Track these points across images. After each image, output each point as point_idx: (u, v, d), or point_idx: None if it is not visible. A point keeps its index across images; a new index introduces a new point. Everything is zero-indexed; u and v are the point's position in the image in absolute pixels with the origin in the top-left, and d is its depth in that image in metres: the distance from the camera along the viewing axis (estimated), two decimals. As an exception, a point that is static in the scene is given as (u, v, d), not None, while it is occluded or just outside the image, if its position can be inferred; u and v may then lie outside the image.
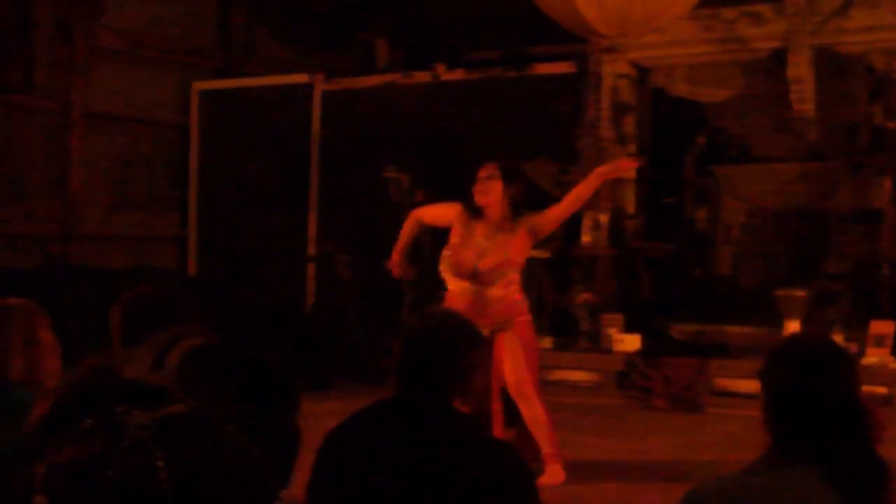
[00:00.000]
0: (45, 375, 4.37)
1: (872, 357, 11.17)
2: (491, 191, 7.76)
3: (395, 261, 8.32)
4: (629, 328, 12.36)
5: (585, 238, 13.14)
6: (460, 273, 7.70)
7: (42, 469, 1.56)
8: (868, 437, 3.17)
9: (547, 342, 12.15)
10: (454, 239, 7.84)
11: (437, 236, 11.27)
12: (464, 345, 3.82)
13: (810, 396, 3.18)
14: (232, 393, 2.18)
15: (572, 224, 12.71)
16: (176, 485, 1.52)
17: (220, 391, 2.17)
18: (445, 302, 7.78)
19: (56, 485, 1.54)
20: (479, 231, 7.80)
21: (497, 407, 7.74)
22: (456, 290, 7.76)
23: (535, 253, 10.22)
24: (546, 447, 7.78)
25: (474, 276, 7.69)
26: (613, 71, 13.71)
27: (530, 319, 8.00)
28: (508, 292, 7.78)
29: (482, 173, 7.82)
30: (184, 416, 1.61)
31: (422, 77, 14.67)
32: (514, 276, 7.84)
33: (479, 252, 7.71)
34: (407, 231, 8.33)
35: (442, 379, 3.73)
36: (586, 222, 13.09)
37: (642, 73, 14.11)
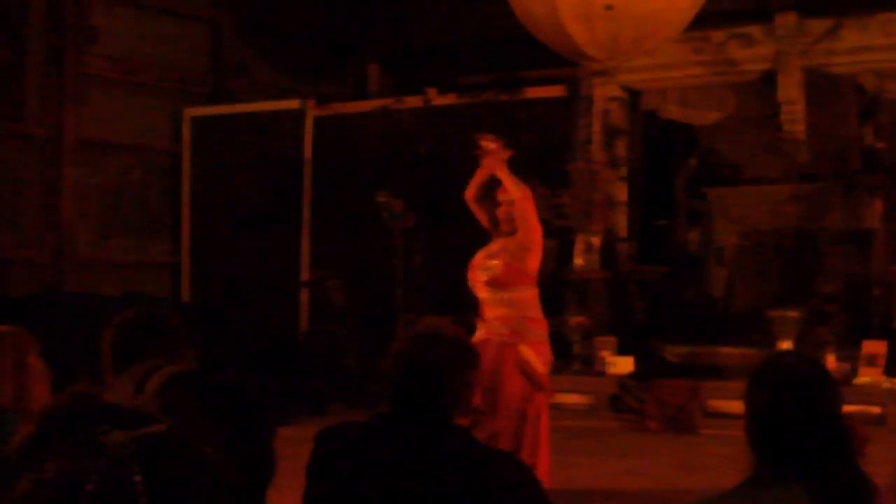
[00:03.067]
0: (34, 402, 4.36)
1: (865, 377, 11.17)
2: (512, 220, 7.80)
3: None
4: (622, 351, 12.35)
5: (578, 261, 13.17)
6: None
7: (22, 488, 1.59)
8: (850, 454, 3.18)
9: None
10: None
11: (428, 259, 11.30)
12: (458, 366, 3.81)
13: (791, 415, 3.19)
14: (208, 416, 2.24)
15: (565, 247, 12.75)
16: (153, 501, 1.57)
17: (196, 415, 2.22)
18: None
19: (36, 501, 1.57)
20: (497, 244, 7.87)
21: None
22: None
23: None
24: None
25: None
26: (604, 94, 13.74)
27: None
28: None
29: (503, 197, 7.84)
30: (163, 436, 1.66)
31: (413, 102, 14.69)
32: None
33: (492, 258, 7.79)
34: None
35: (437, 401, 3.72)
36: (578, 245, 13.11)
37: (633, 96, 14.14)
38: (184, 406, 2.26)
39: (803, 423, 3.17)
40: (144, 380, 2.51)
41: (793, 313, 12.03)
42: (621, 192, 13.89)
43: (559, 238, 13.02)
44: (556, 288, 13.08)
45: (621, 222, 13.79)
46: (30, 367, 4.43)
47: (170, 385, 2.38)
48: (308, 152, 15.08)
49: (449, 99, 14.55)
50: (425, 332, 3.89)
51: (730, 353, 12.31)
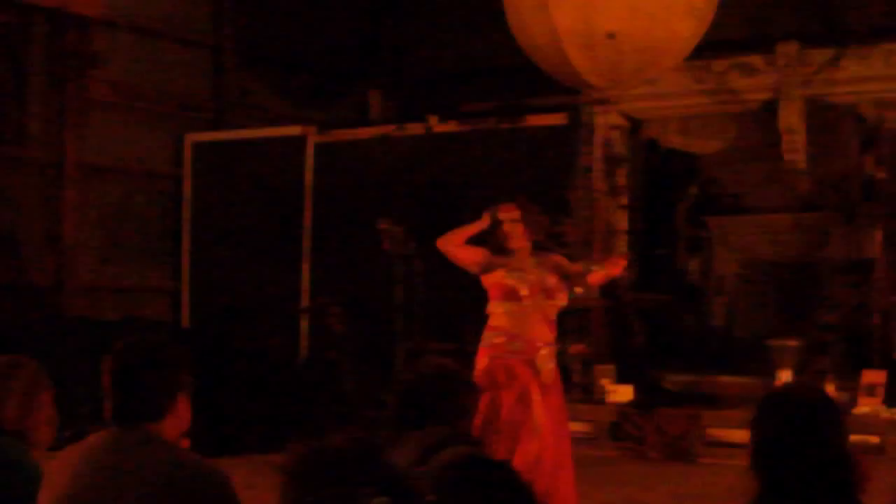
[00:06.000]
0: (37, 427, 4.38)
1: (864, 406, 11.16)
2: (519, 235, 7.82)
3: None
4: (622, 379, 12.33)
5: (577, 289, 13.12)
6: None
7: None
8: (853, 487, 3.18)
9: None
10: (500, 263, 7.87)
11: (429, 287, 11.27)
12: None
13: (798, 446, 3.19)
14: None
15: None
16: None
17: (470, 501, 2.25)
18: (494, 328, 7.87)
19: None
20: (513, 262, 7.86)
21: None
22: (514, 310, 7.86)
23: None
24: None
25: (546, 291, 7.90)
26: (605, 122, 13.73)
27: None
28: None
29: (504, 216, 7.85)
30: None
31: (415, 129, 14.67)
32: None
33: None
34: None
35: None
36: (579, 273, 13.07)
37: (634, 125, 14.15)
38: (460, 491, 2.25)
39: (809, 455, 3.17)
40: (429, 452, 2.52)
41: (792, 342, 12.02)
42: (622, 221, 13.88)
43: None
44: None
45: (621, 251, 13.78)
46: (41, 404, 4.42)
47: (452, 467, 2.36)
48: (309, 179, 15.07)
49: (450, 126, 14.54)
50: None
51: (729, 381, 12.31)
